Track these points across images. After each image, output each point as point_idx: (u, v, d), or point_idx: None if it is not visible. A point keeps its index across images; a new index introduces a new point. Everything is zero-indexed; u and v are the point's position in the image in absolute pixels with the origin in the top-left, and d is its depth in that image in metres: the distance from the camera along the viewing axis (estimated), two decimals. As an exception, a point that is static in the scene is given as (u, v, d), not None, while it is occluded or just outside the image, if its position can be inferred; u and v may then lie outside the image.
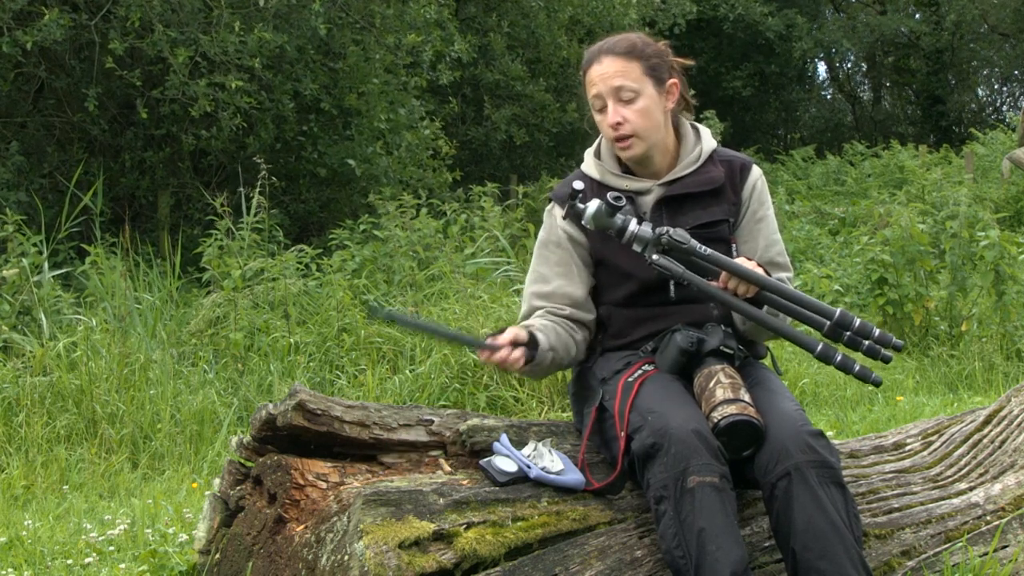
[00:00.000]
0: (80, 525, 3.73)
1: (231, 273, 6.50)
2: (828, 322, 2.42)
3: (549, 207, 2.76)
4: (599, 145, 2.77)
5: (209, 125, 9.49)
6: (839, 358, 2.43)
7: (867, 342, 2.42)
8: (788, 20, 21.79)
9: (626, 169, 2.71)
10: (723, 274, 2.47)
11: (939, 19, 23.93)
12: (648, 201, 2.65)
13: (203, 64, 9.14)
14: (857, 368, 2.43)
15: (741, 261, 2.50)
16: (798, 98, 26.14)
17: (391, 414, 2.55)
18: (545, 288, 2.68)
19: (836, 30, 24.84)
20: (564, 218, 2.61)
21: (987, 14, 24.28)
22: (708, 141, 2.74)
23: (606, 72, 2.62)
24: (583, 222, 2.51)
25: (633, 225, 2.48)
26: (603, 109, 2.64)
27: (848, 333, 2.42)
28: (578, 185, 2.52)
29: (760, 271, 2.50)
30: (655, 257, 2.47)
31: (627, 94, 2.61)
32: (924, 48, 24.12)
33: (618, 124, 2.60)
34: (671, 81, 2.67)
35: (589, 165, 2.75)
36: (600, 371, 2.65)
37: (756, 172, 2.75)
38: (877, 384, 2.46)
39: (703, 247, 2.47)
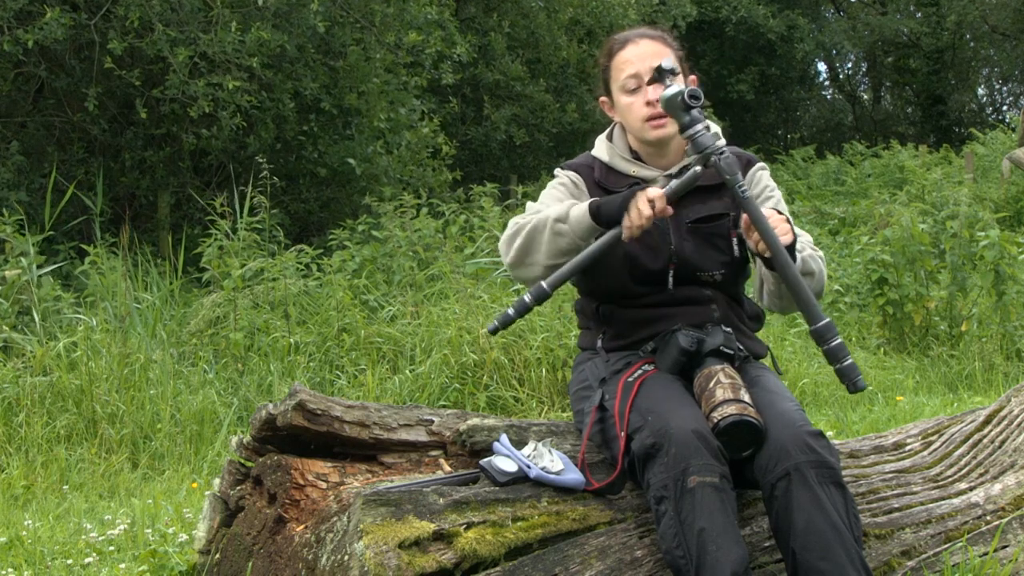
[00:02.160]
0: (80, 525, 3.73)
1: (231, 273, 6.50)
2: (816, 324, 2.36)
3: (558, 170, 2.76)
4: (612, 130, 2.78)
5: (209, 125, 9.48)
6: (835, 343, 2.35)
7: (837, 365, 2.35)
8: (790, 22, 21.78)
9: (636, 157, 2.71)
10: (746, 219, 2.41)
11: (939, 19, 23.94)
12: None
13: (202, 64, 9.14)
14: (847, 362, 2.35)
15: (769, 214, 2.43)
16: (798, 98, 26.14)
17: (391, 414, 2.55)
18: (560, 206, 2.58)
19: (837, 31, 24.84)
20: (650, 82, 2.54)
21: (987, 14, 24.30)
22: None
23: (644, 52, 2.63)
24: (659, 97, 2.46)
25: (701, 126, 2.41)
26: (636, 89, 2.63)
27: (825, 346, 2.36)
28: (667, 63, 2.48)
29: (788, 234, 2.42)
30: (696, 168, 2.43)
31: None
32: (924, 48, 24.13)
33: (657, 100, 2.56)
34: (691, 76, 2.69)
35: (600, 149, 2.76)
36: (600, 371, 2.65)
37: (758, 165, 2.76)
38: (858, 389, 2.35)
39: (744, 188, 2.40)
